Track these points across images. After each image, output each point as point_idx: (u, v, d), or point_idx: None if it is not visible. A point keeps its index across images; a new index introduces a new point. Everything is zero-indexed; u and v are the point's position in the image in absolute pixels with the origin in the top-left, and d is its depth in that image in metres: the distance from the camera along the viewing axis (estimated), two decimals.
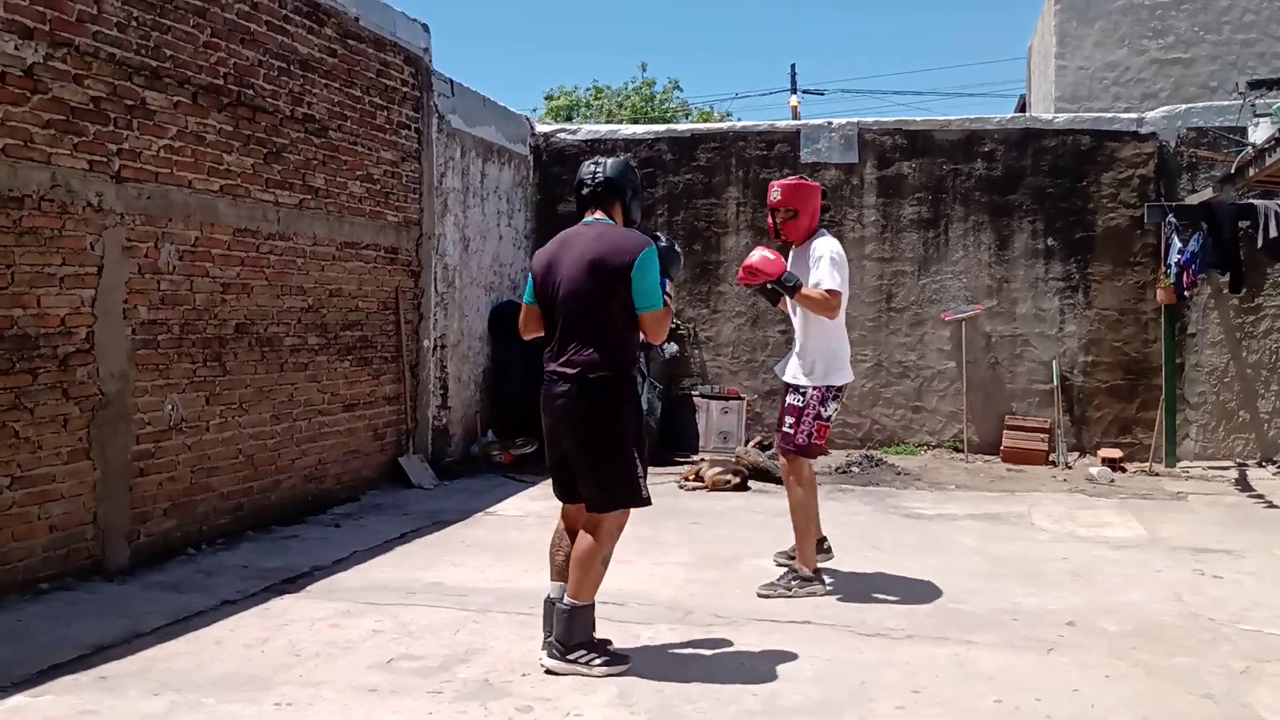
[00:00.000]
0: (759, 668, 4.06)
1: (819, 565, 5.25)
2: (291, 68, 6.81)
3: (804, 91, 26.44)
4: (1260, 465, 9.24)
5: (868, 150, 10.19)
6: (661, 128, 11.18)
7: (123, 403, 5.43)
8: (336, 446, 7.28)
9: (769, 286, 5.14)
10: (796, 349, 5.28)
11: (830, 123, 10.38)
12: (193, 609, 4.74)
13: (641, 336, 4.09)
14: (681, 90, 28.04)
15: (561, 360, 4.00)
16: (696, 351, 10.40)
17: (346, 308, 7.41)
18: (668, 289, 4.04)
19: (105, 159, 5.35)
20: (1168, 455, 9.19)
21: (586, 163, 4.24)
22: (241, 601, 4.88)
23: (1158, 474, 8.94)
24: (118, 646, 4.21)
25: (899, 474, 8.83)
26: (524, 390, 9.31)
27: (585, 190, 4.17)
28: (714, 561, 5.79)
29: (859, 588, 5.27)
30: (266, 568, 5.51)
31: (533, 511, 7.16)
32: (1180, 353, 9.43)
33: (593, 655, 3.95)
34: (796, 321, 5.31)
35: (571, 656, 3.94)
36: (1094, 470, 8.77)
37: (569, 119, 25.42)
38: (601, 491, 3.99)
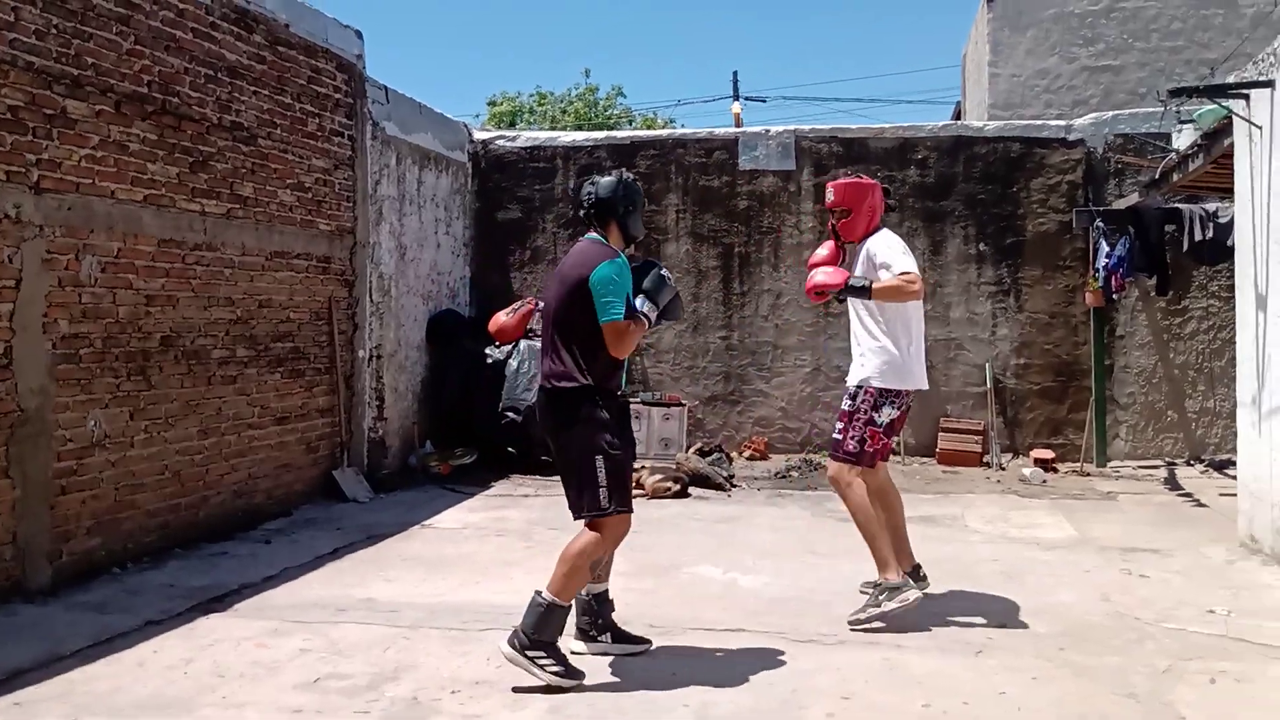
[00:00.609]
0: (692, 677, 4.05)
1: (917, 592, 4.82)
2: (219, 75, 6.69)
3: (746, 98, 26.57)
4: (1189, 464, 9.48)
5: (804, 157, 10.28)
6: (601, 135, 11.19)
7: (43, 419, 5.28)
8: (267, 461, 7.15)
9: (839, 298, 5.01)
10: (856, 354, 5.07)
11: (768, 130, 10.45)
12: (115, 630, 4.63)
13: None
14: (625, 96, 28.25)
15: (542, 371, 4.18)
16: (638, 358, 10.38)
17: (277, 319, 7.29)
18: (645, 309, 4.08)
19: (23, 169, 5.20)
20: (1098, 455, 9.38)
21: (585, 182, 4.32)
22: (166, 622, 4.77)
23: (1089, 474, 9.13)
24: (36, 670, 4.09)
25: None
26: (463, 400, 9.29)
27: (580, 211, 4.29)
28: (652, 570, 5.78)
29: (795, 593, 5.30)
30: (193, 586, 5.39)
31: (471, 524, 7.09)
32: (1109, 354, 9.64)
33: (549, 660, 3.93)
34: (854, 326, 5.10)
35: (531, 654, 3.91)
36: (1027, 471, 8.92)
37: (512, 125, 25.33)
38: (572, 497, 4.10)
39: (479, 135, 10.91)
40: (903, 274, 4.81)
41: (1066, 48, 11.99)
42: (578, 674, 3.97)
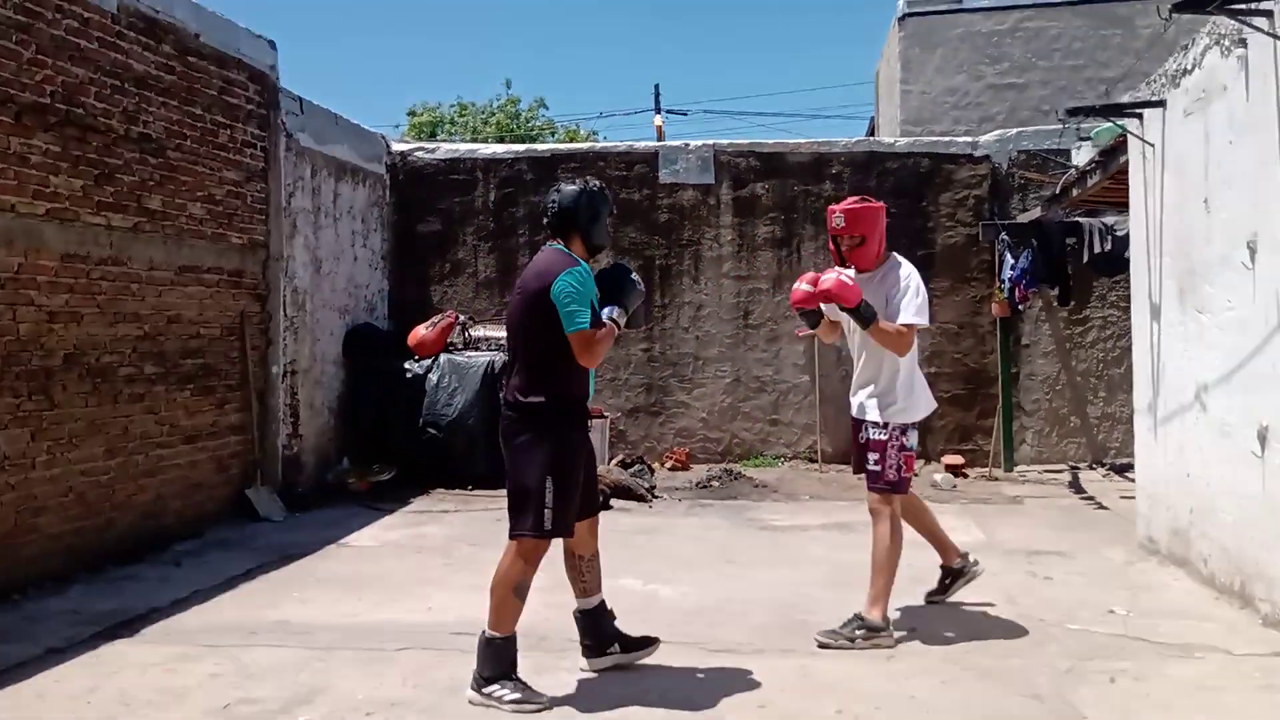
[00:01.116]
0: (609, 691, 4.07)
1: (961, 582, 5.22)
2: (126, 85, 6.53)
3: (668, 111, 26.75)
4: (1091, 468, 9.81)
5: (723, 171, 10.41)
6: (521, 148, 11.18)
7: None
8: (177, 480, 6.97)
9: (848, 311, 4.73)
10: (867, 382, 4.88)
11: (687, 145, 10.56)
12: (14, 660, 4.46)
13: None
14: (547, 108, 28.12)
15: (507, 384, 4.13)
16: None
17: (186, 334, 7.12)
18: (614, 315, 4.06)
19: None
20: (1006, 461, 9.66)
21: (550, 190, 4.25)
22: (69, 649, 4.62)
23: (997, 479, 9.39)
24: None
25: (757, 486, 9.01)
26: (381, 415, 9.17)
27: (544, 220, 4.24)
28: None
29: (712, 603, 5.35)
30: (99, 611, 5.23)
31: (389, 541, 7.00)
32: (1015, 363, 9.94)
33: (504, 690, 3.90)
34: (864, 351, 4.89)
35: (486, 690, 3.91)
36: (938, 477, 9.15)
37: (433, 135, 25.13)
38: (510, 514, 4.05)
39: (397, 147, 10.81)
40: (907, 326, 4.70)
41: (974, 66, 12.37)
42: (538, 697, 3.93)
